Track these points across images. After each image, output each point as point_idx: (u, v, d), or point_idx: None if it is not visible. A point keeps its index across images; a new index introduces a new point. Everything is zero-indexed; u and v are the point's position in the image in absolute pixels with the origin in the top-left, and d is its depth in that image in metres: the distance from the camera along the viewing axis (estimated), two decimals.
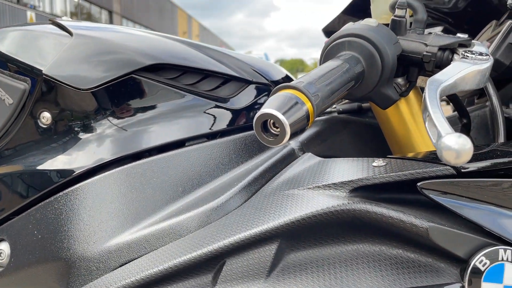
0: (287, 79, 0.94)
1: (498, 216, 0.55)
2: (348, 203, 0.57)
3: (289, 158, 0.76)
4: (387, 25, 0.68)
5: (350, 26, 0.64)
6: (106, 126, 0.71)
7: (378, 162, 0.62)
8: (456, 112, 0.86)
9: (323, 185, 0.62)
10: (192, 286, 0.60)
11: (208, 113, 0.76)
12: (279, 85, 0.49)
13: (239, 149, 0.75)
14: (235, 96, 0.80)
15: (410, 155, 0.68)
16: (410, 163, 0.60)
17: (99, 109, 0.71)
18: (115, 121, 0.71)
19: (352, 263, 0.59)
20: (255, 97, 0.82)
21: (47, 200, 0.68)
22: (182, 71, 0.75)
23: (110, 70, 0.70)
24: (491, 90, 0.71)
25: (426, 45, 0.64)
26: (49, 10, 18.62)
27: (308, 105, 0.47)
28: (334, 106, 0.95)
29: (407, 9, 0.70)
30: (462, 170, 0.56)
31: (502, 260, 0.54)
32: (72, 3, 20.66)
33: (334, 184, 0.61)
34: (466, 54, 0.60)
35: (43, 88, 0.72)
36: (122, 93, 0.71)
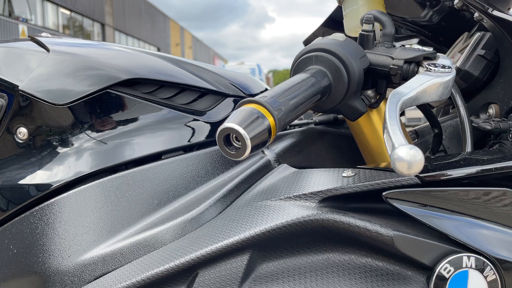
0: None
1: (462, 224, 0.57)
2: (317, 213, 0.59)
3: (264, 169, 0.77)
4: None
5: (318, 41, 0.66)
6: (83, 141, 0.72)
7: (348, 172, 0.64)
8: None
9: (294, 196, 0.63)
10: None
11: (185, 126, 0.78)
12: (243, 100, 0.50)
13: (215, 162, 0.76)
14: (211, 109, 0.81)
15: (381, 165, 0.69)
16: (378, 173, 0.62)
17: (75, 124, 0.72)
18: (92, 135, 0.72)
19: (322, 272, 0.60)
20: (232, 110, 0.84)
21: (23, 215, 0.69)
22: (159, 85, 0.77)
23: (86, 86, 0.71)
24: (459, 101, 0.73)
25: (392, 58, 0.66)
26: (41, 23, 18.64)
27: (270, 119, 0.48)
28: (311, 118, 0.97)
29: (375, 23, 0.72)
30: (427, 180, 0.57)
31: (466, 267, 0.55)
32: (65, 16, 20.70)
33: (304, 194, 0.62)
34: (429, 67, 0.62)
35: (20, 104, 0.73)
36: (98, 108, 0.72)
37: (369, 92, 0.71)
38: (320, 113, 0.96)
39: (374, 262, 0.59)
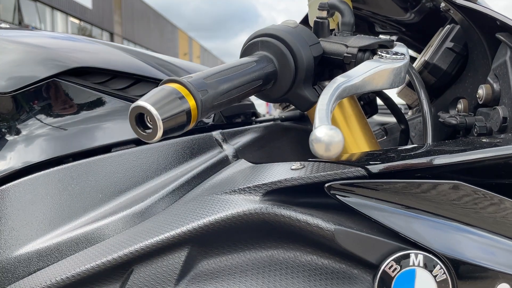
0: None
1: (410, 219, 0.53)
2: (258, 206, 0.55)
3: (221, 164, 0.74)
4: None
5: (267, 27, 0.63)
6: (28, 131, 0.69)
7: (296, 165, 0.60)
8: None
9: (239, 189, 0.60)
10: None
11: None
12: (166, 79, 0.47)
13: (168, 155, 0.73)
14: None
15: (337, 158, 0.66)
16: (328, 165, 0.58)
17: (20, 113, 0.70)
18: (38, 125, 0.70)
19: (265, 270, 0.56)
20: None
21: None
22: (111, 76, 0.74)
23: (31, 74, 0.69)
24: (422, 94, 0.70)
25: (346, 46, 0.63)
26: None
27: (191, 101, 0.45)
28: (278, 114, 0.93)
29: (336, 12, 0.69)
30: (374, 171, 0.54)
31: (413, 265, 0.51)
32: (74, 25, 20.94)
33: (249, 187, 0.59)
34: (381, 54, 0.59)
35: None
36: (45, 97, 0.70)
37: (326, 83, 0.67)
38: (288, 109, 0.93)
39: (320, 259, 0.55)
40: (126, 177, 0.69)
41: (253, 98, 0.82)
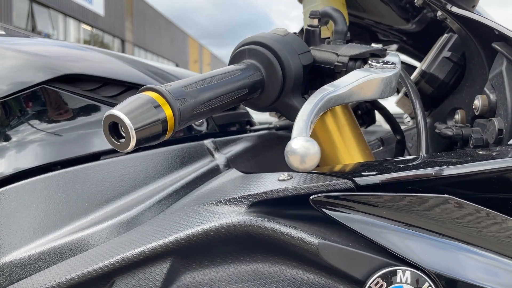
0: None
1: (398, 233, 0.51)
2: (242, 218, 0.54)
3: (211, 173, 0.73)
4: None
5: (255, 34, 0.62)
6: (16, 138, 0.69)
7: (284, 176, 0.59)
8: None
9: (225, 200, 0.58)
10: None
11: None
12: (143, 87, 0.46)
13: (158, 164, 0.72)
14: None
15: (323, 169, 0.64)
16: (315, 177, 0.56)
17: (9, 119, 0.69)
18: (26, 132, 0.69)
19: (248, 284, 0.55)
20: None
21: None
22: (102, 83, 0.73)
23: (21, 80, 0.68)
24: (417, 104, 0.68)
25: (337, 55, 0.61)
26: (63, 38, 19.11)
27: (167, 110, 0.44)
28: (271, 123, 0.92)
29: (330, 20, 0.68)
30: (361, 184, 0.52)
31: (401, 282, 0.50)
32: (86, 32, 21.17)
33: (234, 199, 0.58)
34: (372, 63, 0.57)
35: None
36: (33, 104, 0.69)
37: None
38: (284, 118, 0.92)
39: (305, 274, 0.54)
40: (114, 186, 0.68)
41: None
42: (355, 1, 0.98)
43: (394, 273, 0.50)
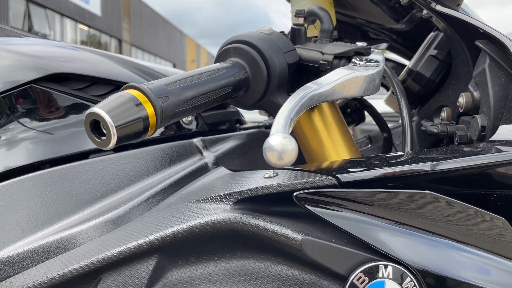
0: None
1: (380, 229, 0.52)
2: (227, 215, 0.54)
3: (200, 172, 0.73)
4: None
5: (241, 33, 0.62)
6: (5, 137, 0.69)
7: (269, 173, 0.59)
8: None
9: (211, 197, 0.59)
10: None
11: None
12: (125, 85, 0.47)
13: (146, 162, 0.72)
14: None
15: (310, 166, 0.65)
16: (299, 174, 0.57)
17: None
18: (15, 131, 0.69)
19: (234, 281, 0.55)
20: None
21: None
22: (90, 82, 0.74)
23: (8, 80, 0.68)
24: (402, 102, 0.69)
25: (322, 53, 0.62)
26: (59, 38, 19.05)
27: (149, 108, 0.45)
28: (262, 122, 0.93)
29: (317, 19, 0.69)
30: (344, 180, 0.52)
31: (383, 277, 0.50)
32: (83, 32, 21.13)
33: (220, 196, 0.58)
34: (355, 61, 0.58)
35: None
36: (21, 103, 0.70)
37: None
38: (272, 117, 0.92)
39: (289, 270, 0.54)
40: (102, 184, 0.68)
41: None
42: (345, 0, 0.99)
43: (377, 268, 0.50)
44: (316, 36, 0.71)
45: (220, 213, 0.55)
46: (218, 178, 0.68)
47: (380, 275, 0.50)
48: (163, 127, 0.77)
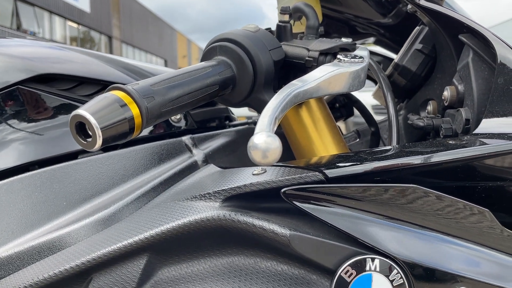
0: None
1: (366, 223, 0.52)
2: (216, 213, 0.55)
3: (190, 170, 0.74)
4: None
5: (226, 31, 0.63)
6: None
7: (258, 170, 0.60)
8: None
9: (200, 195, 0.59)
10: None
11: None
12: (110, 86, 0.47)
13: (136, 161, 0.72)
14: None
15: (298, 162, 0.65)
16: (287, 170, 0.58)
17: None
18: (2, 133, 0.69)
19: (224, 277, 0.56)
20: None
21: None
22: (78, 82, 0.74)
23: None
24: (388, 97, 0.69)
25: (308, 50, 0.62)
26: (49, 36, 18.87)
27: (134, 109, 0.45)
28: (251, 118, 0.93)
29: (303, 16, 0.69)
30: (331, 176, 0.53)
31: (370, 270, 0.51)
32: (73, 29, 20.95)
33: (209, 193, 0.59)
34: (340, 57, 0.58)
35: None
36: (9, 105, 0.69)
37: None
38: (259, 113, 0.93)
39: (279, 265, 0.55)
40: (92, 184, 0.69)
41: None
42: None
43: (364, 261, 0.51)
44: (303, 33, 0.71)
45: (209, 210, 0.56)
46: (207, 176, 0.68)
47: (367, 268, 0.51)
48: (152, 126, 0.78)
